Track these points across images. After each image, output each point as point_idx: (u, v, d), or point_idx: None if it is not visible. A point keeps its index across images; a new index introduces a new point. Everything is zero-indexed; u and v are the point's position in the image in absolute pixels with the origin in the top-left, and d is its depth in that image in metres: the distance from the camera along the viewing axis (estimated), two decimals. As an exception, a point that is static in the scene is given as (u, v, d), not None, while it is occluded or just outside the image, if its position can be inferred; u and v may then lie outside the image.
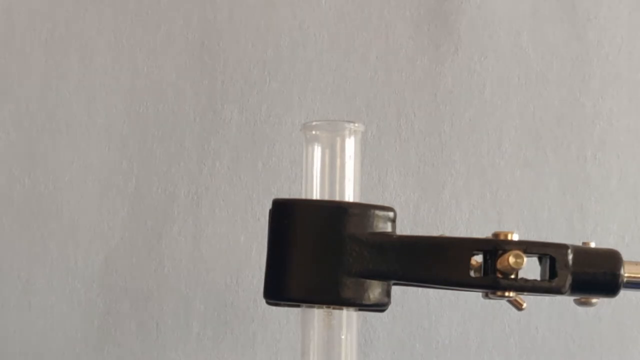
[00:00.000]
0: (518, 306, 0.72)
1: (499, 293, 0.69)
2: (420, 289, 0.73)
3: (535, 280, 0.69)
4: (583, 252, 0.71)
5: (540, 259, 0.71)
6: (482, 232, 0.74)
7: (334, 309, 0.70)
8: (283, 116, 1.05)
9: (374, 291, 0.68)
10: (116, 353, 1.01)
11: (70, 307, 1.01)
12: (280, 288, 0.69)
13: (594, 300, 0.73)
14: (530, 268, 0.70)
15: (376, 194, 1.05)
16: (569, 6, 1.10)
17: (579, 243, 0.72)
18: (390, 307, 0.69)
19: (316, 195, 0.71)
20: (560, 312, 1.07)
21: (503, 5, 1.09)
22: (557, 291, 0.69)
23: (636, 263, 0.72)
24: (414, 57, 1.08)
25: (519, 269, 0.68)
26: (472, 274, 0.69)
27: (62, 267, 1.01)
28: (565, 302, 0.75)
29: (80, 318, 1.01)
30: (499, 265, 0.68)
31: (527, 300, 0.72)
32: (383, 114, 1.07)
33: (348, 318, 0.70)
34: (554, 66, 1.10)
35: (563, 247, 0.70)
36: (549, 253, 0.70)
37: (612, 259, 0.71)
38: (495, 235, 0.70)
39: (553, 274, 0.69)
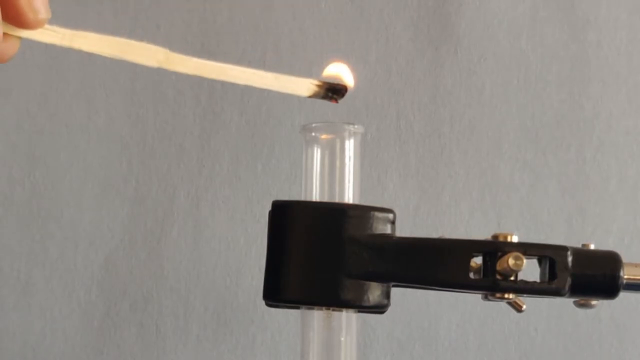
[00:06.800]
0: (517, 308, 0.72)
1: (498, 295, 0.69)
2: (419, 291, 0.73)
3: (535, 282, 0.69)
4: (583, 254, 0.71)
5: (539, 261, 0.71)
6: (482, 233, 0.74)
7: (333, 310, 0.70)
8: (283, 118, 1.05)
9: (374, 293, 0.68)
10: (115, 354, 1.01)
11: (70, 308, 1.01)
12: (280, 290, 0.69)
13: (594, 302, 0.73)
14: (529, 270, 0.70)
15: (376, 195, 1.05)
16: (568, 7, 1.10)
17: (578, 245, 0.72)
18: (389, 309, 0.69)
19: (316, 197, 0.71)
20: (559, 314, 1.07)
21: (502, 7, 1.09)
22: (557, 293, 0.69)
23: (636, 265, 0.72)
24: (414, 58, 1.08)
25: (519, 270, 0.68)
26: (471, 275, 0.69)
27: (61, 268, 1.01)
28: (564, 303, 0.75)
29: (79, 319, 1.01)
30: (498, 267, 0.68)
31: (527, 301, 0.72)
32: (382, 115, 1.07)
33: (347, 320, 0.70)
34: (553, 68, 1.10)
35: (562, 249, 0.70)
36: (548, 255, 0.70)
37: (611, 260, 0.71)
38: (495, 237, 0.70)
39: (553, 275, 0.69)
